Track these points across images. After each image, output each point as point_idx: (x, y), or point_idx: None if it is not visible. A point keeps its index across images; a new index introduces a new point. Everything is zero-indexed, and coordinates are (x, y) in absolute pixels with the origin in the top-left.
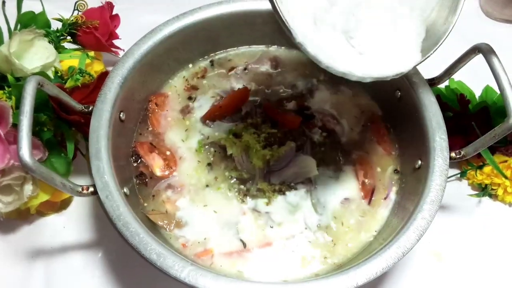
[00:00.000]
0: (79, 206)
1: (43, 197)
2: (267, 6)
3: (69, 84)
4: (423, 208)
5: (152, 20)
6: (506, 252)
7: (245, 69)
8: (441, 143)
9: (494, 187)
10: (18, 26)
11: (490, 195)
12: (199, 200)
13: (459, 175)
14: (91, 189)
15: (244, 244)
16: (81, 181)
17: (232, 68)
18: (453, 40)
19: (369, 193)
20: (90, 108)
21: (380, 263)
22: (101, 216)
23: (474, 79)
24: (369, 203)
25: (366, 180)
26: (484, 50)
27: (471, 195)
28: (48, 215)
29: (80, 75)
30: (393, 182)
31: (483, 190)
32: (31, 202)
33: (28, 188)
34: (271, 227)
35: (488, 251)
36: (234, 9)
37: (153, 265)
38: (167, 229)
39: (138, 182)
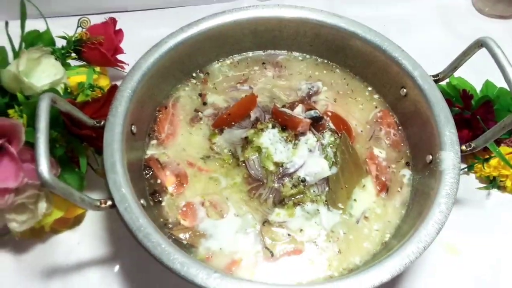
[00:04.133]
0: (92, 221)
1: (57, 214)
2: (269, 13)
3: (80, 99)
4: (439, 202)
5: (154, 34)
6: None
7: (250, 75)
8: (451, 137)
9: (502, 179)
10: (23, 45)
11: (499, 187)
12: (215, 212)
13: (466, 169)
14: (109, 202)
15: (272, 253)
16: (93, 195)
17: (237, 75)
18: (447, 37)
19: (384, 187)
20: (102, 123)
21: (402, 259)
22: (115, 230)
23: (474, 75)
24: (385, 196)
25: (380, 175)
26: (487, 44)
27: (479, 188)
28: (62, 232)
29: (91, 89)
30: (405, 176)
31: (491, 182)
32: (45, 219)
33: (42, 205)
34: (288, 234)
35: (501, 243)
36: (237, 17)
37: (177, 274)
38: (190, 242)
39: (153, 199)
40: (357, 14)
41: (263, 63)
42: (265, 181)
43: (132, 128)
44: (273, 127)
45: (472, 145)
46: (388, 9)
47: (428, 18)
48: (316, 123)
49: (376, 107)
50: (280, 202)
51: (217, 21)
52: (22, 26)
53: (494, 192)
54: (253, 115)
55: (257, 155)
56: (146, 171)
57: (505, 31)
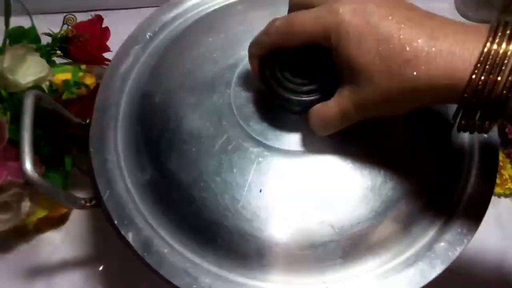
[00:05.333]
0: (76, 221)
1: (41, 213)
2: None
3: (65, 96)
4: None
5: None
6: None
7: None
8: None
9: None
10: (7, 42)
11: None
12: None
13: None
14: (94, 201)
15: None
16: (78, 194)
17: None
18: None
19: None
20: (88, 121)
21: None
22: (100, 230)
23: None
24: None
25: None
26: None
27: None
28: (46, 231)
29: (76, 87)
30: None
31: None
32: (29, 218)
33: (26, 204)
34: None
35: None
36: None
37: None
38: None
39: None
40: None
41: None
42: None
43: None
44: None
45: None
46: None
47: None
48: None
49: None
50: None
51: None
52: (7, 23)
53: None
54: None
55: None
56: None
57: None
